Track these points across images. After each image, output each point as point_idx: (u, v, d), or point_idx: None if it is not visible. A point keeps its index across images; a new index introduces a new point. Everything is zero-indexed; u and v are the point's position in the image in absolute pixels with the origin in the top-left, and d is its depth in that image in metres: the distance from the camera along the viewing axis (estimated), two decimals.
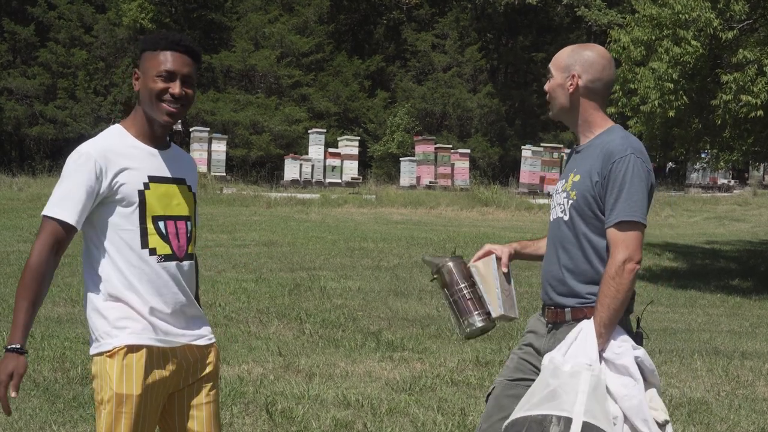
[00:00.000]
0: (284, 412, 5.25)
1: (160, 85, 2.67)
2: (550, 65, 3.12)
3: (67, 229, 2.63)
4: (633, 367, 2.86)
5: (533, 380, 3.04)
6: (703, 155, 16.34)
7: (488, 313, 3.16)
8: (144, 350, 2.65)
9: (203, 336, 2.81)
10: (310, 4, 32.65)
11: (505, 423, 2.91)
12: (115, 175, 2.64)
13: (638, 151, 2.93)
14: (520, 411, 2.86)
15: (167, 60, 2.68)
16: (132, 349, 2.64)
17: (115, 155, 2.66)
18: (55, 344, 6.76)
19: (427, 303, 9.46)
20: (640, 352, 2.92)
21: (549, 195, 26.18)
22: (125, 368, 2.63)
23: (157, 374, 2.68)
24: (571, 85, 3.05)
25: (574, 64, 3.06)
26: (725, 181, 29.70)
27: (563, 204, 3.06)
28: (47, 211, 2.64)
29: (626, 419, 2.82)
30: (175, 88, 2.68)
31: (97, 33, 30.22)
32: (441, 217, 21.40)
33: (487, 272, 3.14)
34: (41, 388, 5.59)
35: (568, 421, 2.75)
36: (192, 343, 2.77)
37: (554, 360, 2.87)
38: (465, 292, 3.15)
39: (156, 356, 2.68)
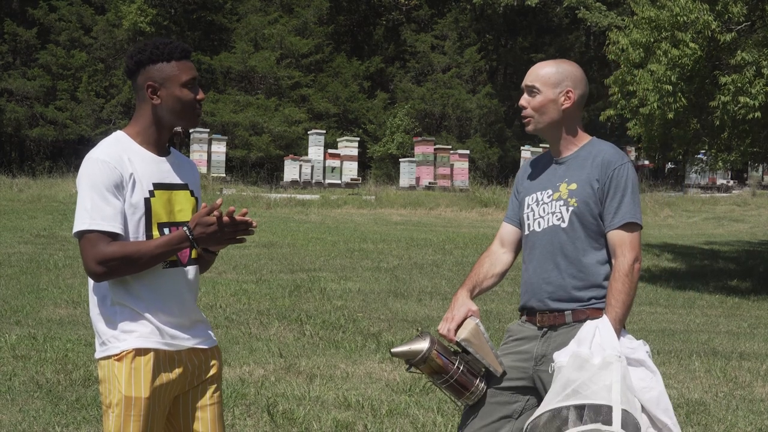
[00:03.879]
0: (285, 413, 5.29)
1: (191, 94, 2.76)
2: (534, 82, 3.17)
3: (114, 238, 2.66)
4: (648, 361, 2.98)
5: (519, 387, 3.13)
6: (701, 156, 16.37)
7: (484, 373, 3.15)
8: (152, 353, 2.69)
9: (206, 339, 2.85)
10: (310, 6, 32.68)
11: (527, 423, 2.95)
12: (127, 182, 2.68)
13: (629, 160, 3.15)
14: (542, 409, 2.90)
15: (186, 69, 2.76)
16: (140, 352, 2.68)
17: (125, 163, 2.69)
18: (58, 346, 6.80)
19: (426, 304, 9.50)
20: (648, 347, 3.05)
21: None
22: (133, 371, 2.67)
23: (164, 377, 2.72)
24: (566, 100, 3.15)
25: (564, 80, 3.15)
26: (724, 182, 29.73)
27: (559, 212, 3.13)
28: (87, 225, 2.64)
29: (644, 410, 2.90)
30: (201, 94, 2.79)
31: (97, 34, 30.25)
32: (440, 218, 21.44)
33: (479, 340, 3.12)
34: (44, 390, 5.63)
35: (604, 409, 2.81)
36: (196, 347, 2.81)
37: (581, 354, 2.91)
38: (460, 369, 3.10)
39: (163, 360, 2.72)
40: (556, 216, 3.13)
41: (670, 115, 11.54)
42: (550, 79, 3.15)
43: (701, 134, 13.10)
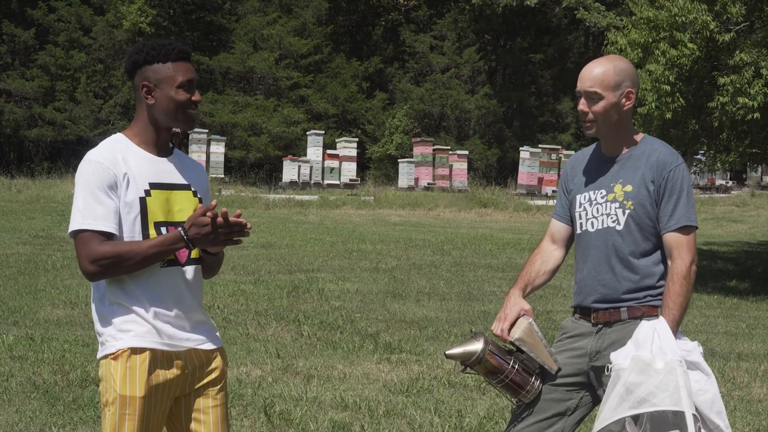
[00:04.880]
0: (282, 414, 5.28)
1: (185, 95, 2.75)
2: (594, 87, 3.07)
3: (109, 237, 2.67)
4: (703, 363, 2.99)
5: (574, 383, 3.14)
6: (700, 157, 16.36)
7: (539, 371, 3.17)
8: (147, 353, 2.69)
9: (209, 340, 2.84)
10: (309, 6, 32.68)
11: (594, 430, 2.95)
12: (121, 182, 2.69)
13: (683, 160, 3.14)
14: (609, 417, 2.90)
15: (184, 70, 2.75)
16: (135, 351, 2.68)
17: (119, 163, 2.70)
18: (55, 347, 6.79)
19: (424, 305, 9.49)
20: (701, 349, 3.05)
21: (547, 196, 26.19)
22: (129, 370, 2.67)
23: (161, 377, 2.71)
24: (627, 101, 3.10)
25: (623, 80, 3.09)
26: (723, 182, 29.72)
27: (614, 214, 3.12)
28: (79, 225, 2.66)
29: (697, 411, 2.91)
30: (197, 95, 2.78)
31: (96, 35, 30.24)
32: (439, 219, 21.43)
33: (533, 339, 3.14)
34: (41, 391, 5.63)
35: (670, 414, 2.82)
36: (198, 348, 2.80)
37: (642, 358, 2.91)
38: (515, 368, 3.11)
39: (160, 359, 2.72)
40: (611, 218, 3.12)
41: (669, 115, 11.53)
42: (611, 82, 3.07)
43: (700, 135, 13.09)
